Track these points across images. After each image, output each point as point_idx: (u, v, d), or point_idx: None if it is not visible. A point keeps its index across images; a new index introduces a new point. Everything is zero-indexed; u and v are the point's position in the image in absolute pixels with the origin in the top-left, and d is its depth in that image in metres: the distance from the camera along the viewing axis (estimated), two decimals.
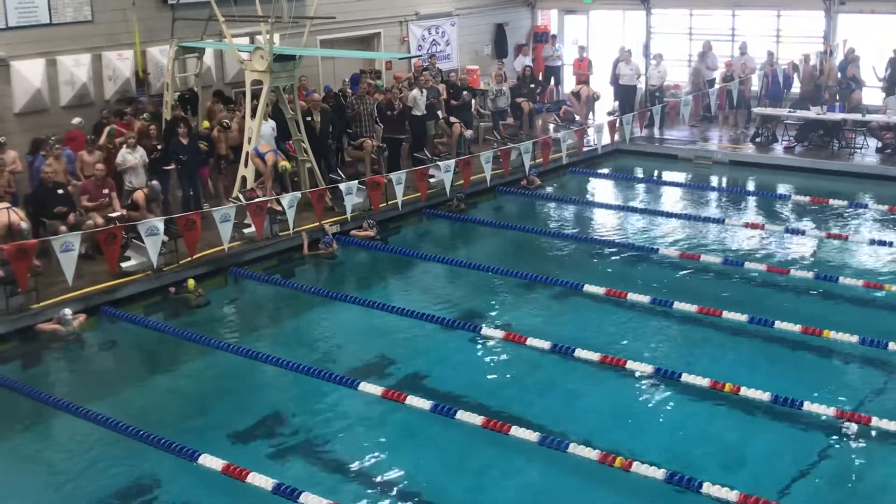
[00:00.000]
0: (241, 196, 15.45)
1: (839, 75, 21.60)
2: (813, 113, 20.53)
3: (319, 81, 20.01)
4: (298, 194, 15.25)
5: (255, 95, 16.03)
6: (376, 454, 9.62)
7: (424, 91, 19.19)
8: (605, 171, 20.32)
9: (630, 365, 11.06)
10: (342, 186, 15.54)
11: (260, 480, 8.85)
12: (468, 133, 20.19)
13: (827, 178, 19.12)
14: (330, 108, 17.89)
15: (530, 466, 9.33)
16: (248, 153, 15.84)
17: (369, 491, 9.00)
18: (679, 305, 12.69)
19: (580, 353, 11.35)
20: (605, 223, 17.19)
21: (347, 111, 18.36)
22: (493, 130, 21.21)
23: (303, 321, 13.34)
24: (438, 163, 17.28)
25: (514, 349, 11.85)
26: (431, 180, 17.29)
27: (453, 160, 17.27)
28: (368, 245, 15.78)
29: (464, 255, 15.49)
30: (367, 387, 10.67)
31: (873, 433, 9.66)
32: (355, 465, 9.44)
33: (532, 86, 22.32)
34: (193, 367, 11.90)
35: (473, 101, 21.14)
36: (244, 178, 15.90)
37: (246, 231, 15.14)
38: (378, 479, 9.18)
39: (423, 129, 19.37)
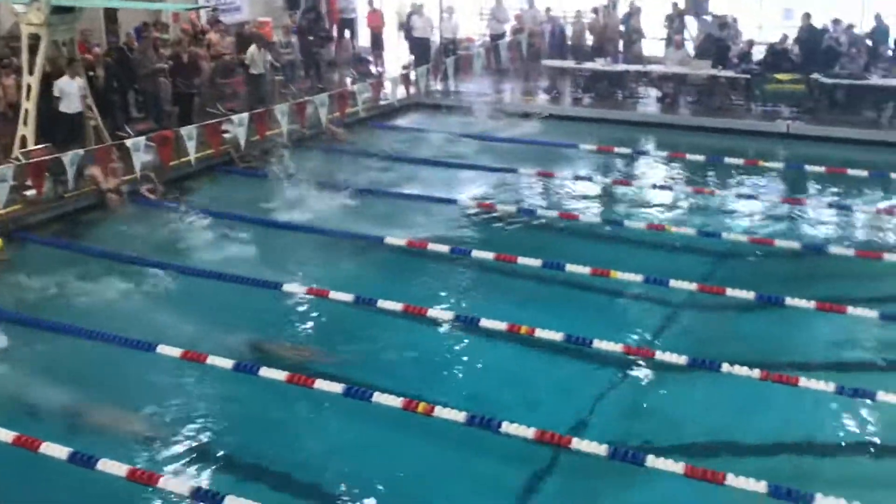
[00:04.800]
0: (20, 156, 14.59)
1: (622, 28, 22.49)
2: (598, 65, 21.35)
3: (103, 35, 19.08)
4: (81, 151, 14.55)
5: (33, 50, 15.11)
6: (181, 415, 9.44)
7: (263, 49, 18.78)
8: (402, 123, 20.42)
9: (431, 312, 11.22)
10: (129, 143, 14.93)
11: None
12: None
13: (613, 126, 19.95)
14: (114, 62, 17.10)
15: (336, 418, 9.41)
16: (27, 111, 14.96)
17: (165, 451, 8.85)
18: (477, 254, 12.98)
19: (383, 303, 11.42)
20: (403, 176, 17.27)
21: (135, 67, 17.57)
22: (288, 84, 20.91)
23: (93, 286, 12.74)
24: (232, 117, 16.90)
25: (318, 303, 11.82)
26: (226, 136, 16.89)
27: (247, 114, 16.94)
28: (158, 204, 15.20)
29: (261, 212, 15.21)
30: (166, 349, 10.34)
31: (658, 366, 10.22)
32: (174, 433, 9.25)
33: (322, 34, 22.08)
34: None
35: (269, 55, 20.72)
36: (24, 138, 15.01)
37: (28, 193, 14.31)
38: (175, 437, 9.03)
39: (261, 87, 18.99)
